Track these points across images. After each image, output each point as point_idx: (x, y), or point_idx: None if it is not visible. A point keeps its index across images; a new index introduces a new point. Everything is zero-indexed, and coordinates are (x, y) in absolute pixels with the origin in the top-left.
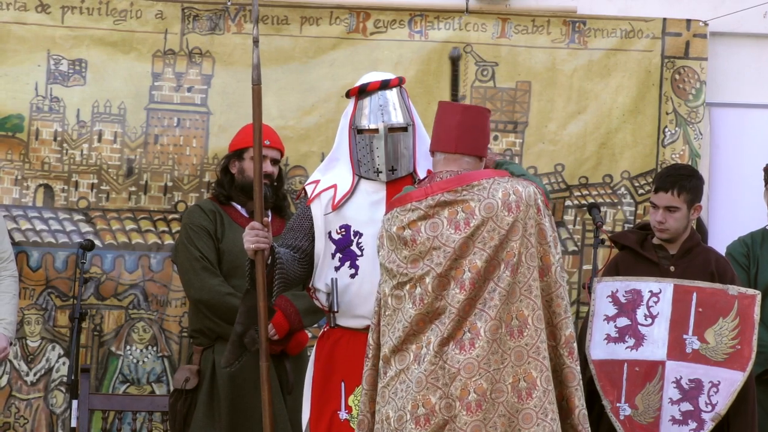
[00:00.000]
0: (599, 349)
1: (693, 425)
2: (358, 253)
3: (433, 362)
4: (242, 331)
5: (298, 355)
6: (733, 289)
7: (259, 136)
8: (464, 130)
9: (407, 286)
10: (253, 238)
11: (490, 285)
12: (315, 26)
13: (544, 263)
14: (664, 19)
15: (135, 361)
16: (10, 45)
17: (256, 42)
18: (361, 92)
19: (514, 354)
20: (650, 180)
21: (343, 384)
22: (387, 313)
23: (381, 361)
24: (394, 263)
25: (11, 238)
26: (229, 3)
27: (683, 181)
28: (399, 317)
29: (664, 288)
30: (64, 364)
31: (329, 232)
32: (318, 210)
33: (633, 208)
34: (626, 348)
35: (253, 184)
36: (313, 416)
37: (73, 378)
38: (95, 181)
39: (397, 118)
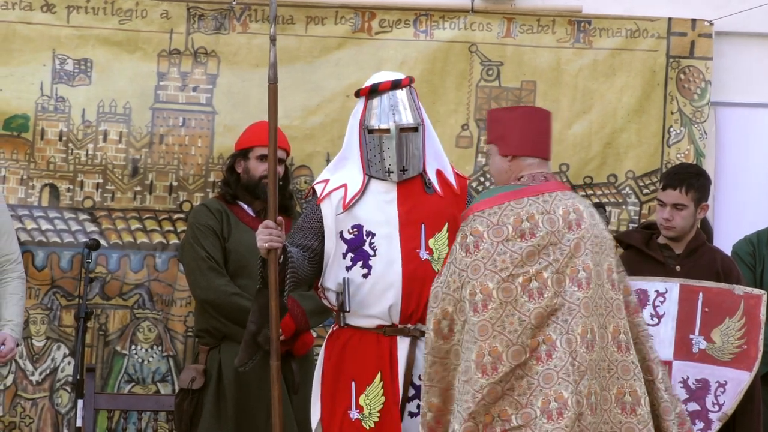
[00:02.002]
0: None
1: (700, 425)
2: (371, 253)
3: (563, 358)
4: (256, 329)
5: (303, 356)
6: (739, 289)
7: (274, 134)
8: (549, 136)
9: (520, 279)
10: (266, 236)
11: (599, 291)
12: (320, 26)
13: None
14: (669, 19)
15: (140, 360)
16: (16, 45)
17: (273, 40)
18: (372, 92)
19: (621, 367)
20: (655, 180)
21: (353, 384)
22: (491, 307)
23: (488, 356)
24: (505, 254)
25: (17, 237)
26: (234, 2)
27: (691, 179)
28: (510, 311)
29: (670, 288)
30: (69, 363)
31: (340, 232)
32: (328, 209)
33: (638, 208)
34: None
35: (267, 182)
36: (324, 416)
37: (78, 377)
38: (100, 180)
39: (408, 118)
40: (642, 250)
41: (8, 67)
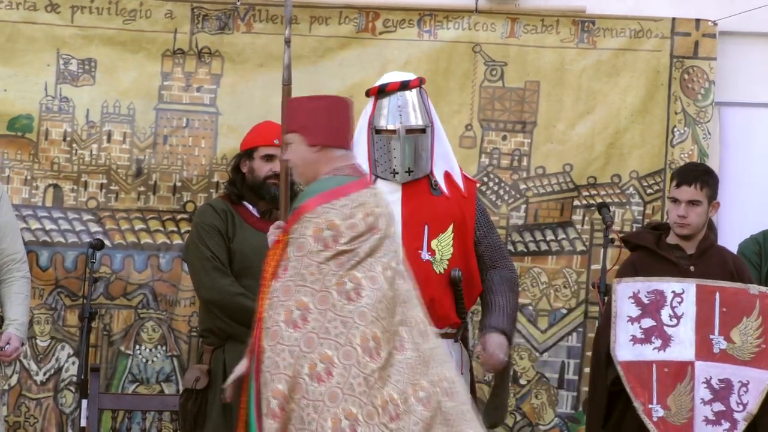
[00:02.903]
0: (626, 351)
1: (726, 425)
2: None
3: (413, 349)
4: None
5: None
6: (754, 288)
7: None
8: (353, 128)
9: (379, 268)
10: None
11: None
12: (324, 26)
13: None
14: (673, 19)
15: (144, 360)
16: (20, 45)
17: (288, 42)
18: (381, 92)
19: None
20: (659, 180)
21: None
22: (365, 294)
23: (372, 341)
24: (365, 244)
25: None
26: (238, 2)
27: (704, 176)
28: (379, 297)
29: (687, 288)
30: (73, 363)
31: None
32: None
33: (641, 208)
34: (653, 349)
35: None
36: None
37: (82, 377)
38: (104, 181)
39: (416, 119)
40: (654, 251)
41: (12, 68)
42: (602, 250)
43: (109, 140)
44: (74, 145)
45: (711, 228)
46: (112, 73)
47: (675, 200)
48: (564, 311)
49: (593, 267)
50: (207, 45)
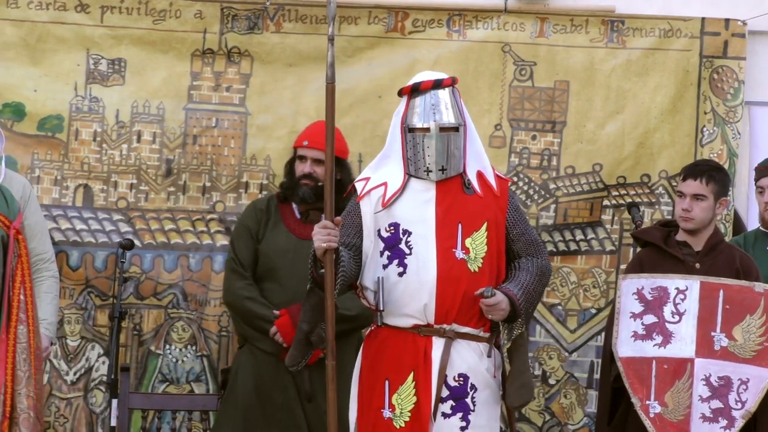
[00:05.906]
0: (626, 347)
1: (724, 423)
2: (407, 251)
3: None
4: (309, 329)
5: (315, 363)
6: (760, 287)
7: (331, 134)
8: None
9: None
10: (324, 237)
11: None
12: (353, 26)
13: None
14: (703, 19)
15: (174, 360)
16: (50, 45)
17: (331, 40)
18: (414, 91)
19: None
20: None
21: (387, 382)
22: None
23: None
24: None
25: (51, 237)
26: (268, 2)
27: (712, 171)
28: None
29: (691, 285)
30: (103, 363)
31: (378, 230)
32: (367, 207)
33: (671, 208)
34: (654, 345)
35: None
36: (359, 415)
37: (112, 377)
38: (134, 181)
39: (449, 117)
40: (661, 248)
41: (42, 68)
42: (631, 250)
43: (138, 140)
44: (104, 145)
45: (740, 227)
46: (142, 73)
47: (681, 194)
48: (593, 311)
49: (622, 267)
50: (236, 45)
